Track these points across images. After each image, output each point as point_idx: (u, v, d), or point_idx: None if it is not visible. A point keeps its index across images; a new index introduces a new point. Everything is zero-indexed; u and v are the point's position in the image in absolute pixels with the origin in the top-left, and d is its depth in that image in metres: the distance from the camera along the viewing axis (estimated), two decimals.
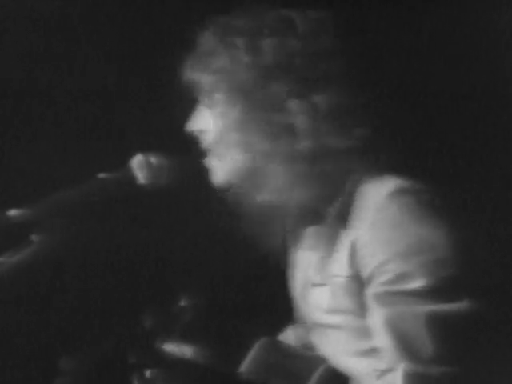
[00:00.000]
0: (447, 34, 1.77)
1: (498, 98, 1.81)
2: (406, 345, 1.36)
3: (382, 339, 1.39)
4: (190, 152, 1.58)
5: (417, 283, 1.34)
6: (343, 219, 1.44)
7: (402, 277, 1.35)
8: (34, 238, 1.47)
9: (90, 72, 1.92)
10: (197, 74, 1.48)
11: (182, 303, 1.59)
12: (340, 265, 1.44)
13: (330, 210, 1.46)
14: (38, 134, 1.90)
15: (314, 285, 1.52)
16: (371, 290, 1.40)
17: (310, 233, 1.56)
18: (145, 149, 1.58)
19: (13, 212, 1.45)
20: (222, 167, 1.50)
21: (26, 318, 1.84)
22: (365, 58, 1.46)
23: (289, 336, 1.75)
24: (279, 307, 1.72)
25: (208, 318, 1.58)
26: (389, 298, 1.36)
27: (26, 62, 1.89)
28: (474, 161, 1.76)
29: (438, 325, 1.34)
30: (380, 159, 1.43)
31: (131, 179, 1.56)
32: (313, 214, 1.48)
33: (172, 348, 1.54)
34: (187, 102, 1.59)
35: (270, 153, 1.43)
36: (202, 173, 1.55)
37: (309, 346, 1.64)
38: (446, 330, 1.34)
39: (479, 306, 1.34)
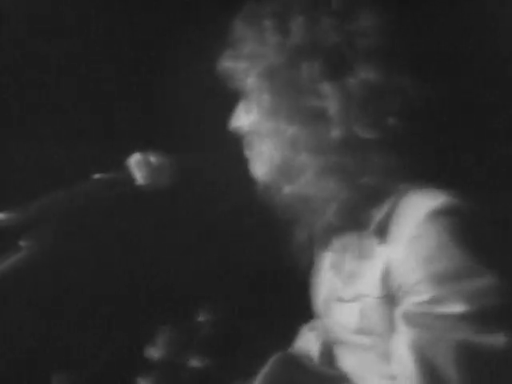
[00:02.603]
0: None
1: None
2: (428, 372, 1.26)
3: (403, 363, 1.29)
4: (193, 150, 1.55)
5: (454, 308, 1.26)
6: (381, 232, 1.37)
7: (437, 299, 1.27)
8: (22, 243, 1.42)
9: (86, 67, 1.93)
10: (230, 62, 1.43)
11: (200, 318, 1.55)
12: (371, 283, 1.37)
13: (368, 218, 1.40)
14: (28, 131, 1.88)
15: (341, 300, 1.45)
16: (401, 309, 1.31)
17: (342, 240, 1.48)
18: (143, 147, 1.54)
19: (0, 216, 1.39)
20: (258, 160, 1.44)
21: (13, 332, 1.80)
22: (408, 37, 1.38)
23: (310, 343, 1.67)
24: (300, 320, 1.68)
25: (226, 334, 1.54)
26: (419, 318, 1.28)
27: (20, 59, 1.89)
28: None
29: (469, 356, 1.25)
30: (427, 172, 1.36)
31: (129, 180, 1.51)
32: (347, 217, 1.41)
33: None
34: (189, 97, 1.61)
35: (299, 141, 1.37)
36: (207, 172, 1.53)
37: (329, 362, 1.58)
38: (476, 363, 1.25)
39: None
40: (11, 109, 1.89)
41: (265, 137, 1.41)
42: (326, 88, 1.34)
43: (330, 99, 1.34)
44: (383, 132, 1.34)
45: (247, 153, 1.48)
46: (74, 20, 1.90)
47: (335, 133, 1.34)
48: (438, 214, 1.30)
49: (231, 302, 1.70)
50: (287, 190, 1.40)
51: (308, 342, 1.67)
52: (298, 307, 1.63)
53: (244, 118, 1.46)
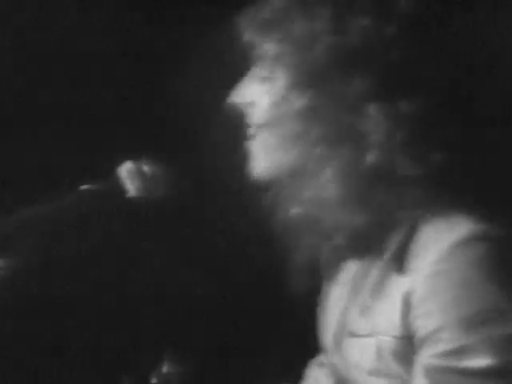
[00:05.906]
0: None
1: None
2: None
3: None
4: (191, 158, 1.51)
5: (479, 361, 1.16)
6: (399, 261, 1.28)
7: (460, 351, 1.17)
8: None
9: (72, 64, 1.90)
10: (259, 38, 1.33)
11: (165, 369, 1.46)
12: (389, 321, 1.27)
13: (383, 246, 1.32)
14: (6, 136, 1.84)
15: (354, 335, 1.35)
16: (421, 360, 1.22)
17: (355, 268, 1.40)
18: (136, 154, 1.48)
19: None
20: (267, 158, 1.37)
21: None
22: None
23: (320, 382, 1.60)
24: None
25: None
26: (440, 374, 1.18)
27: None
28: None
29: None
30: (449, 194, 1.28)
31: (119, 191, 1.45)
32: (360, 244, 1.33)
33: None
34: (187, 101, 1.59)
35: (327, 157, 1.29)
36: (207, 184, 1.50)
37: None
38: None
39: None
40: None
41: (284, 137, 1.31)
42: (372, 109, 1.24)
43: (373, 122, 1.24)
44: (425, 168, 1.24)
45: (249, 143, 1.38)
46: (68, 23, 1.87)
47: (370, 158, 1.25)
48: (465, 242, 1.20)
49: (202, 351, 1.62)
50: (293, 209, 1.31)
51: (317, 382, 1.59)
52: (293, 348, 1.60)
53: (259, 101, 1.35)
